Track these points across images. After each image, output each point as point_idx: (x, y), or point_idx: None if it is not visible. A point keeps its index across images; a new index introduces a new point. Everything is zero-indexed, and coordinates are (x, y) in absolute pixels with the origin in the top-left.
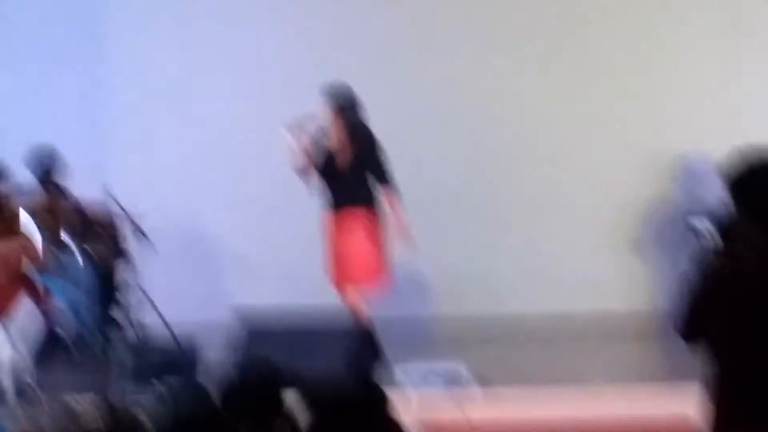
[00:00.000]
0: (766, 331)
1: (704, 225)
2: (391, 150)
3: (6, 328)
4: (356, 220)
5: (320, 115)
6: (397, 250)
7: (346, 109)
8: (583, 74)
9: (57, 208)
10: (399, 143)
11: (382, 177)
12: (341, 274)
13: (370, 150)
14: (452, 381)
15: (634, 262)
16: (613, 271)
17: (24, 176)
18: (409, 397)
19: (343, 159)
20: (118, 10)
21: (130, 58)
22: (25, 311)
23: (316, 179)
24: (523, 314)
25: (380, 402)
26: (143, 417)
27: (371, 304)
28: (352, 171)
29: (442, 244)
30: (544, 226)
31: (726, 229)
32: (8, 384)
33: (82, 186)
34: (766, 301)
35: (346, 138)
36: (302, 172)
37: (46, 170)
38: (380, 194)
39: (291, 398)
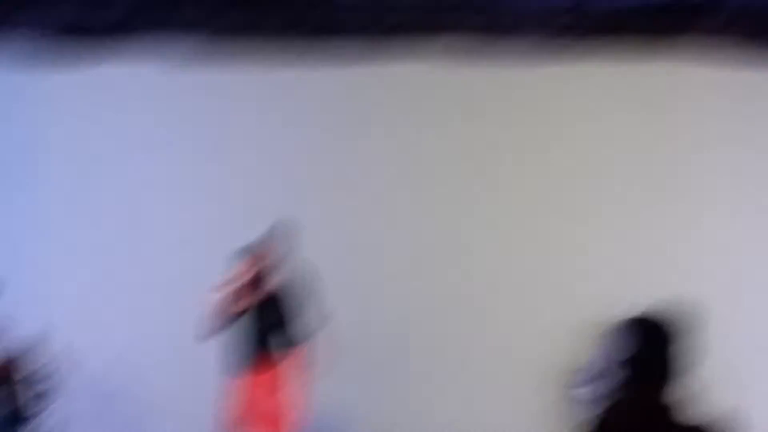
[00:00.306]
0: None
1: (585, 392)
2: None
3: None
4: (263, 379)
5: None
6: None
7: (268, 266)
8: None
9: None
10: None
11: (292, 339)
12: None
13: (283, 308)
14: None
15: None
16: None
17: None
18: None
19: (255, 317)
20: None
21: (64, 187)
22: None
23: (228, 334)
24: None
25: None
26: None
27: None
28: (259, 331)
29: (361, 394)
30: (460, 384)
31: (607, 387)
32: None
33: None
34: None
35: (261, 296)
36: (207, 334)
37: None
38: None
39: None
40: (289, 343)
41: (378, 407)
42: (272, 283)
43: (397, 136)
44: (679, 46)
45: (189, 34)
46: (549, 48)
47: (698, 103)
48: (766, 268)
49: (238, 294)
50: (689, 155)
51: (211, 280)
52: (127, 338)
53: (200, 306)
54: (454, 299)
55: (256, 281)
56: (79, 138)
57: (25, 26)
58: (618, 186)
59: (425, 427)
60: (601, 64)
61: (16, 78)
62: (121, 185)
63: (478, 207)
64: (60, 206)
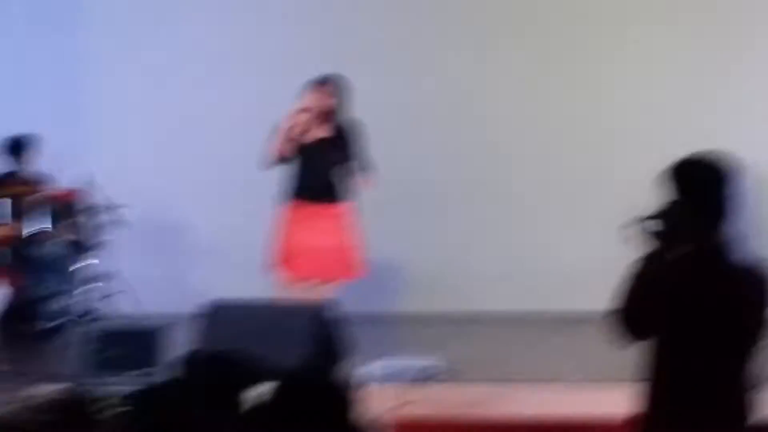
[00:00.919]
0: (697, 328)
1: (651, 225)
2: (369, 142)
3: None
4: (333, 215)
5: (308, 104)
6: (373, 247)
7: (341, 99)
8: (571, 72)
9: (31, 194)
10: (377, 136)
11: (365, 168)
12: (320, 266)
13: (355, 143)
14: (427, 377)
15: (611, 262)
16: (591, 271)
17: (1, 163)
18: (382, 393)
19: (326, 151)
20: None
21: (108, 47)
22: None
23: (290, 167)
24: (499, 311)
25: (342, 404)
26: (109, 405)
27: (345, 300)
28: (332, 164)
29: (418, 239)
30: (524, 224)
31: (672, 225)
32: None
33: (57, 173)
34: (697, 298)
35: (333, 129)
36: (275, 160)
37: (22, 156)
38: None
39: (255, 389)
40: (356, 179)
41: (439, 251)
42: (339, 120)
43: None
44: None
45: None
46: None
47: None
48: None
49: (309, 124)
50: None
51: (273, 113)
52: (185, 174)
53: (267, 135)
54: (509, 144)
55: (325, 114)
56: None
57: None
58: (668, 33)
59: (486, 269)
60: None
61: None
62: (174, 29)
63: (528, 55)
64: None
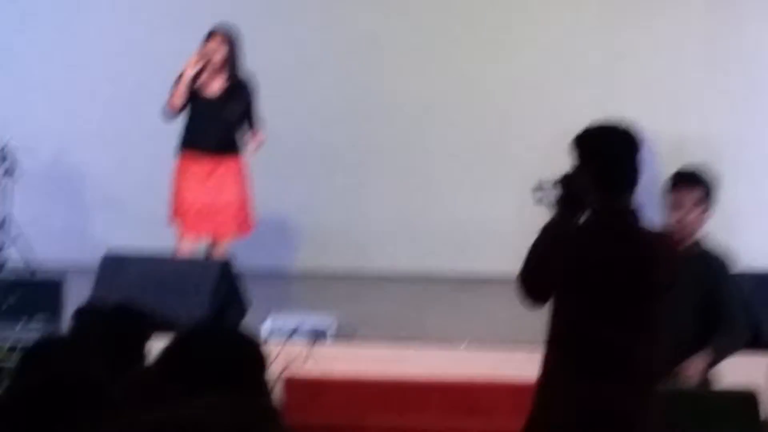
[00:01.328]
0: (597, 291)
1: (550, 193)
2: (269, 92)
3: None
4: (226, 168)
5: (202, 53)
6: (269, 203)
7: (237, 50)
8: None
9: None
10: (278, 85)
11: (255, 125)
12: (214, 222)
13: (251, 96)
14: (317, 336)
15: (511, 224)
16: (490, 231)
17: None
18: (274, 351)
19: (221, 104)
20: None
21: None
22: None
23: (185, 118)
24: (392, 269)
25: (245, 355)
26: (2, 356)
27: (240, 255)
28: (230, 117)
29: (311, 195)
30: (421, 184)
31: (571, 193)
32: None
33: None
34: (597, 263)
35: (231, 81)
36: (172, 111)
37: None
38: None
39: (150, 343)
40: (252, 133)
41: (332, 206)
42: (235, 72)
43: None
44: None
45: None
46: None
47: None
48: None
49: (204, 74)
50: None
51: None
52: (87, 120)
53: (168, 84)
54: (409, 97)
55: (221, 66)
56: None
57: None
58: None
59: (378, 225)
60: None
61: None
62: None
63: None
64: None
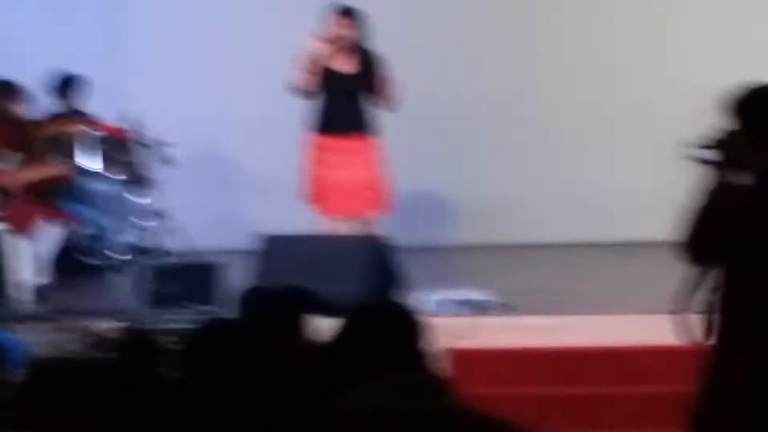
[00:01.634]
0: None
1: (705, 153)
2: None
3: (29, 250)
4: (361, 149)
5: (333, 35)
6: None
7: (365, 30)
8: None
9: (81, 133)
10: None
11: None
12: (348, 205)
13: (383, 70)
14: (479, 309)
15: (663, 192)
16: (643, 201)
17: (48, 102)
18: (437, 325)
19: (355, 82)
20: None
21: None
22: (49, 234)
23: (317, 97)
24: (551, 242)
25: (413, 330)
26: (167, 341)
27: (398, 232)
28: (361, 96)
29: (469, 171)
30: (572, 154)
31: (729, 154)
32: (30, 305)
33: (106, 111)
34: (765, 226)
35: (361, 62)
36: (306, 90)
37: (70, 95)
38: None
39: (316, 324)
40: (386, 110)
41: (491, 182)
42: (365, 52)
43: None
44: None
45: None
46: None
47: None
48: None
49: (332, 56)
50: None
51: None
52: (232, 109)
53: (295, 62)
54: (556, 72)
55: (351, 46)
56: None
57: None
58: None
59: (539, 200)
60: None
61: None
62: None
63: None
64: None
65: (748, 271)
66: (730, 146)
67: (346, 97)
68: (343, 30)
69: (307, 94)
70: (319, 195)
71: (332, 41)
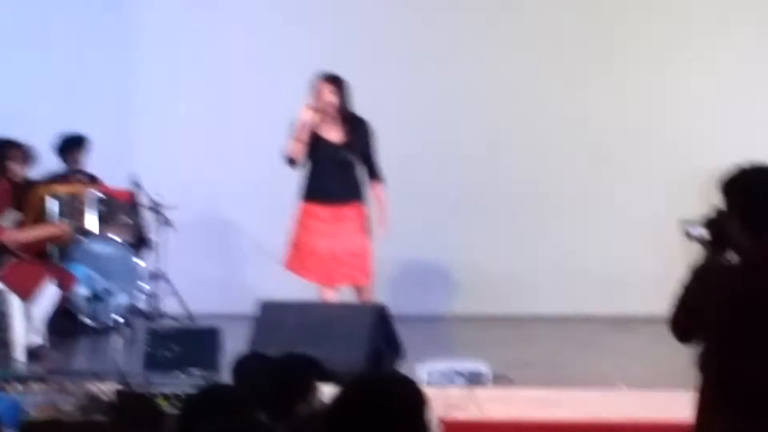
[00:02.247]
0: (751, 330)
1: (698, 230)
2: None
3: (28, 311)
4: (356, 215)
5: (318, 102)
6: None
7: (348, 96)
8: (619, 72)
9: (84, 195)
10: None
11: (375, 172)
12: (347, 269)
13: (370, 143)
14: (474, 380)
15: (661, 266)
16: (641, 274)
17: (52, 163)
18: (433, 395)
19: (343, 150)
20: (147, 3)
21: (158, 48)
22: (46, 294)
23: (306, 165)
24: (548, 315)
25: (416, 401)
26: (164, 404)
27: (393, 302)
28: (350, 163)
29: (466, 241)
30: (571, 226)
31: (719, 233)
32: (24, 365)
33: (109, 174)
34: (752, 300)
35: (348, 129)
36: (293, 158)
37: (74, 157)
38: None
39: (320, 391)
40: (374, 179)
41: (488, 253)
42: (352, 120)
43: None
44: None
45: None
46: None
47: None
48: None
49: (319, 124)
50: None
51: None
52: (233, 174)
53: (290, 132)
54: (554, 145)
55: (337, 113)
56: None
57: None
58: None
59: (536, 271)
60: None
61: None
62: (218, 33)
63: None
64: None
65: (728, 348)
66: (719, 225)
67: (334, 165)
68: (330, 96)
69: (295, 163)
70: (303, 262)
71: (320, 109)
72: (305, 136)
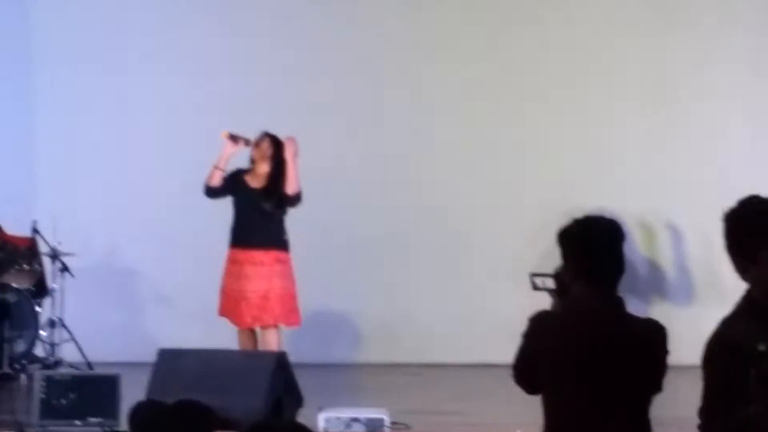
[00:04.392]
0: (585, 381)
1: (544, 282)
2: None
3: None
4: (277, 261)
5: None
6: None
7: (281, 150)
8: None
9: None
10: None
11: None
12: (265, 314)
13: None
14: (372, 427)
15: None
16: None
17: None
18: None
19: (270, 199)
20: (46, 49)
21: (58, 92)
22: None
23: (232, 213)
24: (446, 362)
25: None
26: None
27: (292, 349)
28: (274, 213)
29: (366, 290)
30: (468, 274)
31: (560, 283)
32: None
33: (8, 221)
34: (581, 352)
35: (275, 177)
36: (211, 189)
37: None
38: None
39: None
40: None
41: (387, 301)
42: (276, 169)
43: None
44: None
45: None
46: None
47: None
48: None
49: (253, 169)
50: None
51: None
52: (134, 221)
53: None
54: (431, 200)
55: (269, 160)
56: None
57: None
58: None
59: (434, 319)
60: None
61: None
62: (123, 73)
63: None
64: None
65: (561, 397)
66: (559, 276)
67: (255, 211)
68: (257, 142)
69: (214, 192)
70: (228, 306)
71: (239, 137)
72: (224, 164)
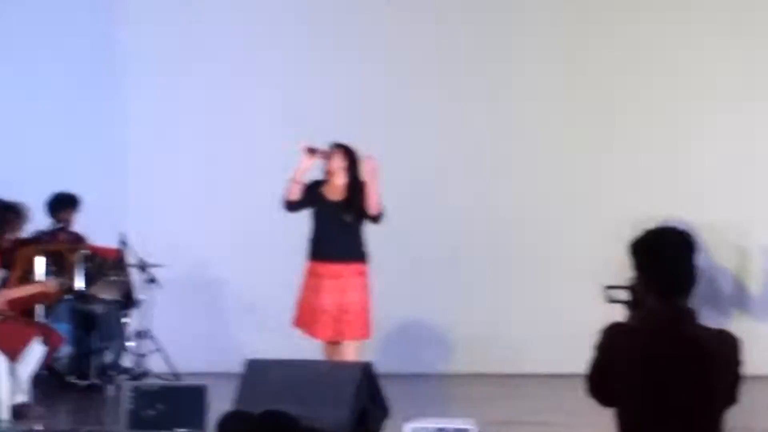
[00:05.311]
0: (660, 395)
1: (619, 295)
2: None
3: (14, 370)
4: (357, 273)
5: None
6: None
7: (357, 160)
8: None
9: (72, 251)
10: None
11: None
12: (345, 327)
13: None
14: None
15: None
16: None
17: (42, 221)
18: None
19: (349, 212)
20: (136, 64)
21: (148, 107)
22: (35, 355)
23: (311, 226)
24: (537, 373)
25: None
26: None
27: (379, 360)
28: (354, 225)
29: (456, 300)
30: (557, 284)
31: (634, 295)
32: (13, 425)
33: (98, 232)
34: (656, 365)
35: (353, 188)
36: (290, 200)
37: (64, 216)
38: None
39: None
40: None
41: (477, 312)
42: (355, 180)
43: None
44: None
45: None
46: None
47: None
48: None
49: (330, 182)
50: None
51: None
52: (222, 232)
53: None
54: (541, 191)
55: (345, 172)
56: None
57: None
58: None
59: (524, 330)
60: None
61: None
62: (210, 91)
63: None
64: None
65: (633, 411)
66: (632, 288)
67: (334, 224)
68: (331, 155)
69: (293, 206)
70: (304, 319)
71: (318, 150)
72: (301, 177)
